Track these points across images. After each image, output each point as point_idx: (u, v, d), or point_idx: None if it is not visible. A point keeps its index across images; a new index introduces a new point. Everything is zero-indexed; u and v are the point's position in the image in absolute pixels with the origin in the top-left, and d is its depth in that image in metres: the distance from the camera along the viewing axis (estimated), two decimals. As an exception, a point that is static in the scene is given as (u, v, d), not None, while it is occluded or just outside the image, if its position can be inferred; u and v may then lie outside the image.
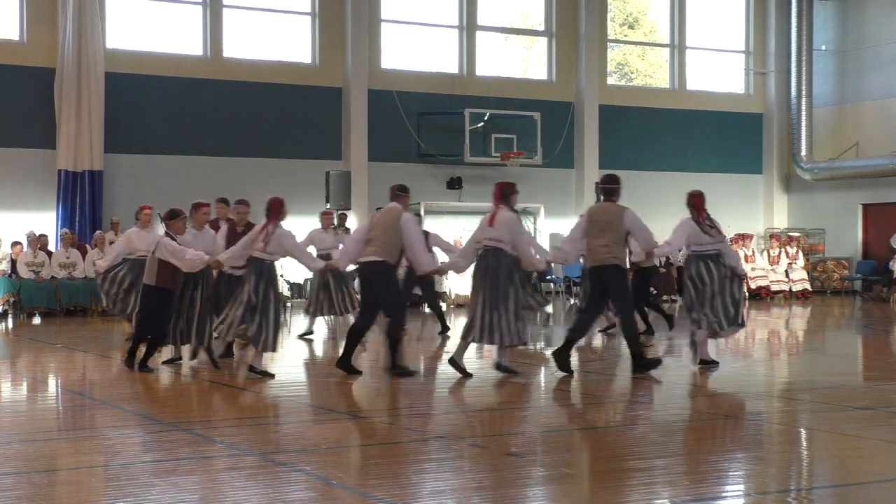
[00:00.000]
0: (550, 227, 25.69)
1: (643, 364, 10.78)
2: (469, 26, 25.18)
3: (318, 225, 16.04)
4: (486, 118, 24.20)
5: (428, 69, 24.97)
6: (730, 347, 13.45)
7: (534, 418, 8.84)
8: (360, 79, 23.68)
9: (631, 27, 28.29)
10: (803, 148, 27.29)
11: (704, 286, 11.14)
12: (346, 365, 10.73)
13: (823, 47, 27.32)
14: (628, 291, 11.09)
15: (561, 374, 10.73)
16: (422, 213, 23.89)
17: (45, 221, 21.10)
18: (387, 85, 23.98)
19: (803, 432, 8.21)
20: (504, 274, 10.56)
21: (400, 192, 11.11)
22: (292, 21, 23.83)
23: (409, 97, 24.19)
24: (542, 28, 26.32)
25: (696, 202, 11.41)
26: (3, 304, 19.20)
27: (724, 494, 6.11)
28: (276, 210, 10.75)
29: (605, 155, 26.08)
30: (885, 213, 26.18)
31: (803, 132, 27.27)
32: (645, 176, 26.28)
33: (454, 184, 24.56)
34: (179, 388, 9.96)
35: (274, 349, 10.61)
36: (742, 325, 11.51)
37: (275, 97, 23.17)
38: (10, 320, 18.72)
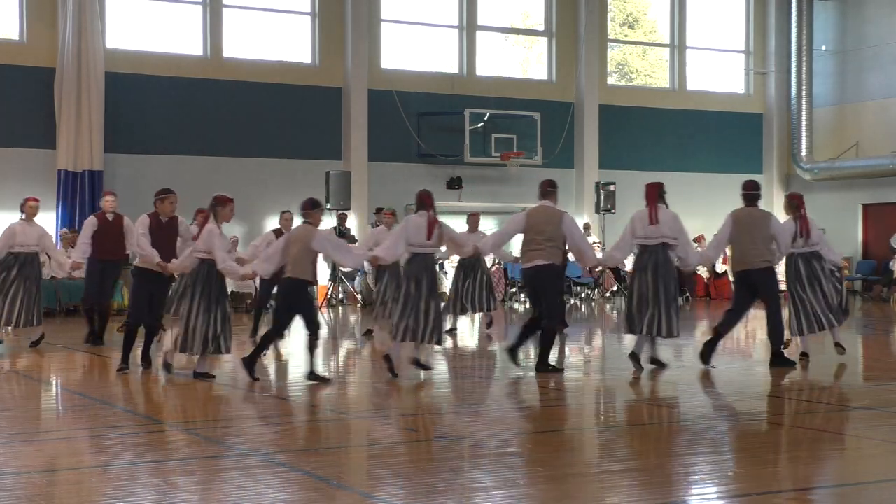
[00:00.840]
0: (550, 227, 25.68)
1: (780, 361, 11.34)
2: (469, 26, 25.18)
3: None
4: (486, 118, 24.20)
5: (428, 69, 24.97)
6: (729, 347, 13.44)
7: (534, 418, 8.83)
8: (360, 79, 23.68)
9: (631, 27, 28.30)
10: (803, 148, 27.30)
11: (805, 284, 11.76)
12: (545, 367, 10.89)
13: (823, 47, 27.32)
14: (778, 289, 11.70)
15: (703, 366, 11.22)
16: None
17: (45, 221, 21.01)
18: (387, 85, 23.98)
19: (803, 432, 8.21)
20: (672, 269, 11.19)
21: (550, 189, 11.40)
22: (292, 21, 23.84)
23: (409, 97, 24.19)
24: (542, 28, 26.32)
25: (798, 202, 11.93)
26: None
27: (724, 494, 6.10)
28: (431, 202, 10.75)
29: (605, 155, 26.09)
30: (885, 213, 26.18)
31: (803, 132, 27.28)
32: (645, 176, 26.07)
33: (454, 184, 24.56)
34: (179, 388, 9.95)
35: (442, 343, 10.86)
36: (848, 313, 12.35)
37: (275, 97, 23.17)
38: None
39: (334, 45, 23.73)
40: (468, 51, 25.18)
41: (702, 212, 26.36)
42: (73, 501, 5.92)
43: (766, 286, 11.40)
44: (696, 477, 6.53)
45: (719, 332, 11.42)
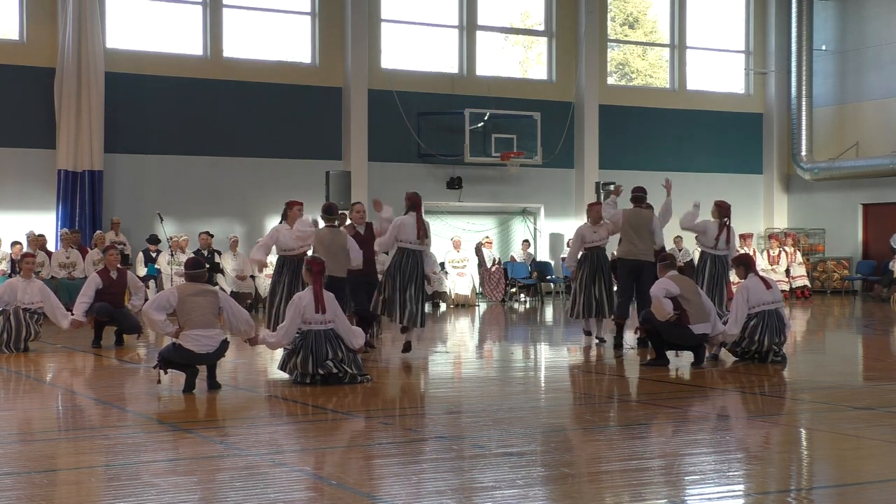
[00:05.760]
0: (550, 227, 25.71)
1: None
2: (469, 26, 25.18)
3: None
4: (486, 118, 24.20)
5: (428, 69, 24.97)
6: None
7: (534, 418, 8.83)
8: (360, 79, 23.69)
9: (631, 27, 28.30)
10: (803, 148, 27.30)
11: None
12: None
13: (823, 47, 27.33)
14: None
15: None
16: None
17: (45, 221, 21.11)
18: (387, 85, 23.98)
19: (803, 432, 8.21)
20: None
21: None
22: (292, 21, 23.84)
23: (409, 97, 24.19)
24: (542, 28, 26.32)
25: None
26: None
27: (724, 494, 6.10)
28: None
29: (605, 155, 26.10)
30: (885, 213, 26.19)
31: (803, 132, 27.28)
32: (645, 176, 26.23)
33: (454, 184, 24.57)
34: (179, 387, 9.95)
35: None
36: None
37: (275, 97, 23.18)
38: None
39: (334, 45, 23.73)
40: (468, 51, 25.19)
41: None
42: (73, 501, 5.92)
43: None
44: (696, 477, 6.53)
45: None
